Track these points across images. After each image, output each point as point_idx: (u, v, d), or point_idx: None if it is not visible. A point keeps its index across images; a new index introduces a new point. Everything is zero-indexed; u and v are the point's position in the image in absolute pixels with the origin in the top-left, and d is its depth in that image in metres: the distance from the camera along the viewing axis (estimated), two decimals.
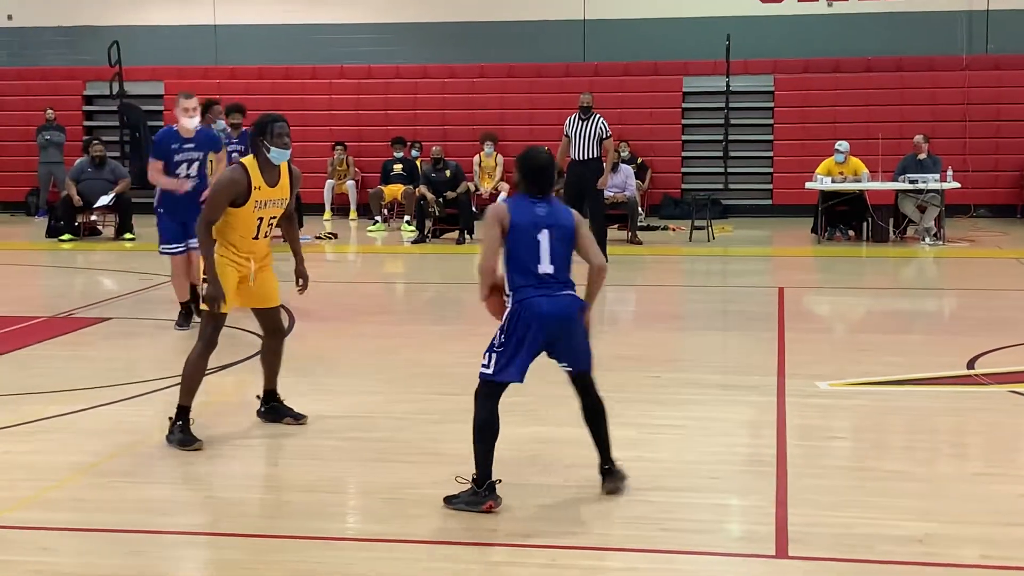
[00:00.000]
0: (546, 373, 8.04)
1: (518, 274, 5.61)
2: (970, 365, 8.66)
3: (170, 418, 6.76)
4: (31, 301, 12.52)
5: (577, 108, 14.85)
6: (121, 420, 7.39)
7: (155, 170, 10.18)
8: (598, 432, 5.85)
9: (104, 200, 18.07)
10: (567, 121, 14.93)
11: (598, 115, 14.78)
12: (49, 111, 21.58)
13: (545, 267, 5.60)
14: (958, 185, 17.21)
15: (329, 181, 21.08)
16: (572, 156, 14.70)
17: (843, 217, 17.61)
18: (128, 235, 17.92)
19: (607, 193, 17.47)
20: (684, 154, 21.91)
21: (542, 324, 5.56)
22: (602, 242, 14.97)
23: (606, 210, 15.73)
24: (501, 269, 5.69)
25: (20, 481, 6.08)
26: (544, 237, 5.61)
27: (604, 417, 5.85)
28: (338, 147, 21.43)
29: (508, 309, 5.62)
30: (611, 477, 5.81)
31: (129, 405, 7.67)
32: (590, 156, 14.54)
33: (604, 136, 14.63)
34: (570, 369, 5.77)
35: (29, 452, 6.63)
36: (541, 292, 5.57)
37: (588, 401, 5.84)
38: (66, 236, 17.83)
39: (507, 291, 5.65)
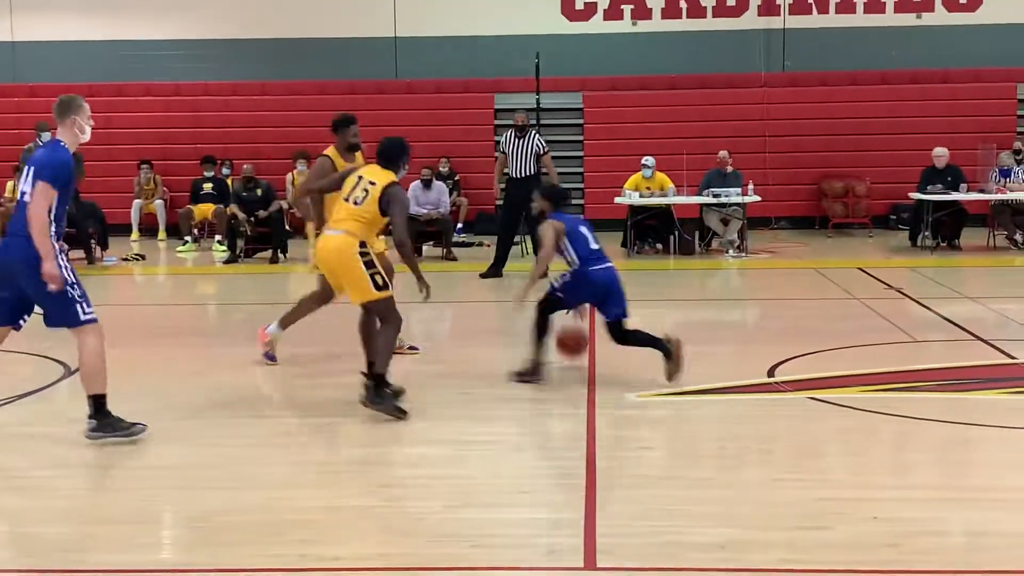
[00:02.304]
0: (354, 398, 7.99)
1: (581, 255, 8.76)
2: (771, 373, 8.97)
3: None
4: None
5: (513, 126, 15.29)
6: None
7: (46, 206, 6.90)
8: (640, 341, 8.81)
9: None
10: (504, 138, 15.40)
11: (534, 132, 15.03)
12: None
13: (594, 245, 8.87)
14: (759, 198, 17.81)
15: (136, 201, 20.58)
16: (511, 174, 14.95)
17: (651, 231, 18.03)
18: None
19: (420, 210, 17.56)
20: None
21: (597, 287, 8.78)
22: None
23: (418, 227, 15.89)
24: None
25: None
26: (586, 229, 8.94)
27: (639, 333, 8.81)
28: (144, 166, 20.90)
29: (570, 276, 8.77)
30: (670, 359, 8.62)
31: None
32: (529, 173, 14.88)
33: (541, 152, 14.85)
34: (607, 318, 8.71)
35: None
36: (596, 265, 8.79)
37: (621, 336, 8.80)
38: None
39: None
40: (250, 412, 7.94)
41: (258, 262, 17.43)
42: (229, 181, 19.93)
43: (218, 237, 18.82)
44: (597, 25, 22.29)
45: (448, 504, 5.87)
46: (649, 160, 17.90)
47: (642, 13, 22.32)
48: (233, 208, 17.78)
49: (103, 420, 7.13)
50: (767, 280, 15.90)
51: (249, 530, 5.55)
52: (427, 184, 18.73)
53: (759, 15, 22.22)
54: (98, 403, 7.15)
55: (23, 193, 7.03)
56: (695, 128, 21.19)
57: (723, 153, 18.23)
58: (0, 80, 22.47)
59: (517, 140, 15.13)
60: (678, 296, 14.41)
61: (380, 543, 5.43)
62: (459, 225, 20.13)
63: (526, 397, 8.34)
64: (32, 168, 7.01)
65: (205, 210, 19.58)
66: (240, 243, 17.61)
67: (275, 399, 8.26)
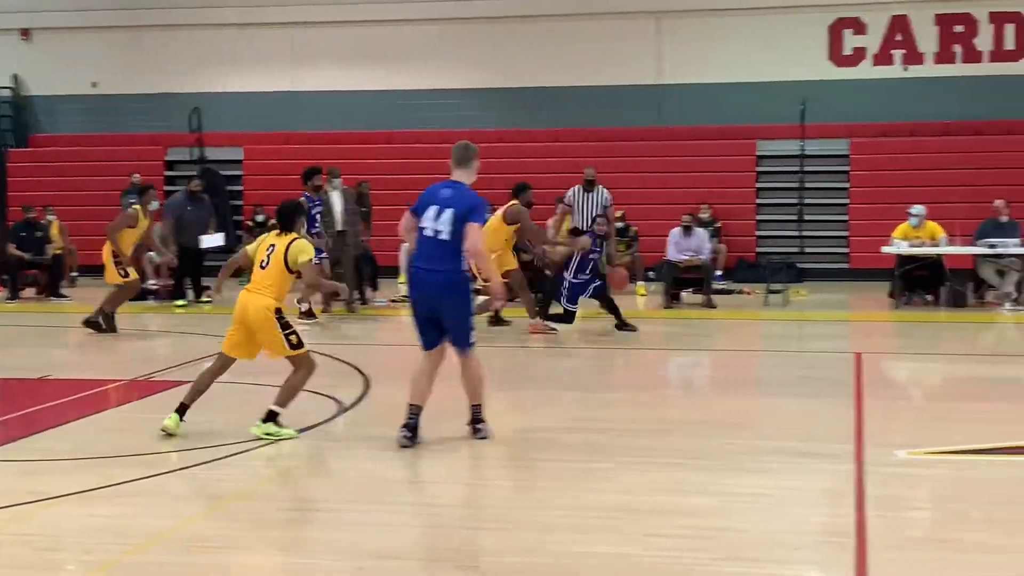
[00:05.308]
0: (627, 442, 7.91)
1: None
2: None
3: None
4: (111, 364, 12.70)
5: (583, 180, 15.48)
6: (203, 484, 7.49)
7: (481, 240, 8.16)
8: None
9: (211, 241, 17.80)
10: (570, 192, 15.54)
11: (601, 187, 15.19)
12: (135, 176, 21.98)
13: None
14: None
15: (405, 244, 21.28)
16: (576, 226, 15.25)
17: (921, 281, 17.40)
18: (180, 301, 17.70)
19: (680, 256, 17.51)
20: (758, 217, 21.89)
21: None
22: (613, 309, 14.65)
23: (678, 273, 15.99)
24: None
25: (102, 545, 6.13)
26: None
27: None
28: None
29: None
30: None
31: (210, 468, 7.74)
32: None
33: (607, 205, 14.92)
34: None
35: (113, 516, 6.68)
36: None
37: None
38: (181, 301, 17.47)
39: None
40: (526, 455, 8.07)
41: None
42: None
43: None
44: (866, 71, 21.86)
45: (715, 556, 5.81)
46: (916, 208, 17.35)
47: (914, 58, 21.75)
48: None
49: (483, 423, 8.31)
50: None
51: (519, 573, 5.63)
52: (687, 230, 18.64)
53: None
54: (477, 410, 8.33)
55: (436, 232, 7.94)
56: (968, 176, 20.47)
57: (999, 202, 17.50)
58: (283, 128, 23.76)
59: (584, 195, 15.26)
60: (949, 349, 13.84)
61: None
62: (718, 272, 19.96)
63: (791, 451, 8.17)
64: (455, 210, 7.91)
65: None
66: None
67: (555, 441, 8.39)
